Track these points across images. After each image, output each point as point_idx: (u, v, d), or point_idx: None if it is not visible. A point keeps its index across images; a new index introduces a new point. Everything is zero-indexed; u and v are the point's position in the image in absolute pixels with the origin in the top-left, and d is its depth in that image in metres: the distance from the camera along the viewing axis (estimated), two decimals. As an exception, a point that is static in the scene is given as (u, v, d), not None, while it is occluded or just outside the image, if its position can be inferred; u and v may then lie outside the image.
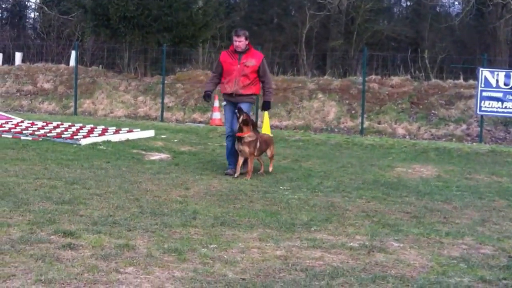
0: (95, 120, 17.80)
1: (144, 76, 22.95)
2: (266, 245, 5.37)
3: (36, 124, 14.26)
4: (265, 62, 9.41)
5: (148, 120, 18.91)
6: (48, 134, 12.48)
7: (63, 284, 4.09)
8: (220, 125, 17.62)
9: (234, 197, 7.49)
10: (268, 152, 9.56)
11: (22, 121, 15.05)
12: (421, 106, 19.11)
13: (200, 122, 18.98)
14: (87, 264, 4.54)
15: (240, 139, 8.95)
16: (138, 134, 13.37)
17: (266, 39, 30.90)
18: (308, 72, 25.65)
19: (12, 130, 13.09)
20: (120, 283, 4.19)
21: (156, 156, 10.83)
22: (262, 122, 15.93)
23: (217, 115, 18.13)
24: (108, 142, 11.95)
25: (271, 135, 10.43)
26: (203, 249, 5.11)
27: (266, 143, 9.48)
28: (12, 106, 21.91)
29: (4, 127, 13.56)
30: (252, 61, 9.19)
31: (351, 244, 5.51)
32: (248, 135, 8.96)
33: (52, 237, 5.24)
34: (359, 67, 25.69)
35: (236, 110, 9.04)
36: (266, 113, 15.62)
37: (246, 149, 8.92)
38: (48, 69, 24.47)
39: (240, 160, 9.05)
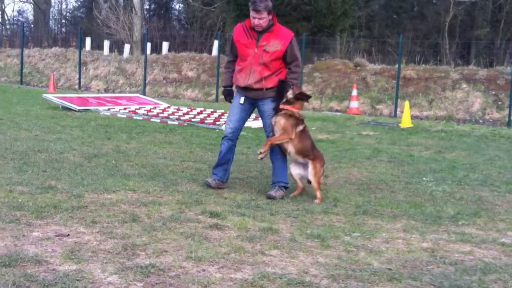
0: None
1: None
2: (411, 237, 5.22)
3: (181, 110, 14.91)
4: (295, 43, 6.50)
5: (286, 108, 19.08)
6: (192, 120, 12.99)
7: (212, 262, 4.22)
8: (358, 114, 17.41)
9: (375, 187, 7.36)
10: (311, 168, 6.55)
11: (168, 107, 15.79)
12: None
13: (337, 110, 18.87)
14: (234, 245, 4.65)
15: (279, 110, 6.49)
16: (277, 121, 13.53)
17: (406, 27, 30.12)
18: (450, 61, 24.65)
19: (160, 115, 13.76)
20: (266, 265, 4.25)
21: (295, 143, 10.89)
22: (402, 112, 15.58)
23: (354, 104, 17.94)
24: (248, 128, 12.20)
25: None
26: (346, 237, 5.07)
27: (312, 150, 6.63)
28: (159, 93, 23.09)
29: (153, 112, 14.29)
30: (275, 43, 6.38)
31: (503, 240, 5.21)
32: (294, 110, 6.48)
33: (199, 217, 5.43)
34: (507, 57, 24.32)
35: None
36: (407, 102, 15.29)
37: (282, 120, 6.39)
38: (192, 58, 25.45)
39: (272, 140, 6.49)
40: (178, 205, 5.81)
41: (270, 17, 6.37)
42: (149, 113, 13.95)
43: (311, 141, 6.69)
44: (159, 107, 15.71)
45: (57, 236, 4.60)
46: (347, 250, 4.73)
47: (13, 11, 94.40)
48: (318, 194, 6.49)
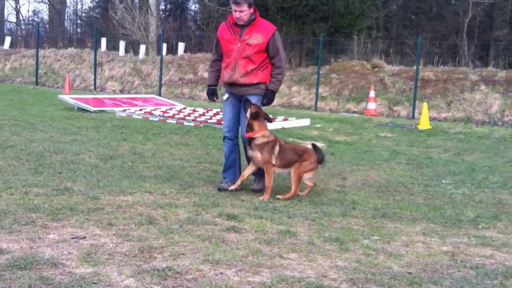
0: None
1: (298, 67, 23.09)
2: (431, 240, 5.15)
3: (197, 111, 14.87)
4: (278, 37, 6.58)
5: (302, 110, 18.99)
6: (209, 121, 12.94)
7: (229, 265, 4.16)
8: (376, 115, 17.27)
9: (393, 189, 7.28)
10: (292, 169, 6.55)
11: (184, 108, 15.77)
12: None
13: (354, 112, 18.74)
14: (251, 248, 4.60)
15: (250, 141, 6.55)
16: (293, 122, 13.47)
17: (424, 28, 29.89)
18: (469, 63, 24.42)
19: (176, 116, 13.73)
20: (284, 268, 4.19)
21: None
22: (420, 113, 15.43)
23: (372, 106, 17.79)
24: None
25: (309, 147, 6.90)
26: (365, 240, 5.00)
27: (297, 153, 6.60)
28: (175, 94, 23.04)
29: (169, 113, 14.27)
30: (257, 37, 6.47)
31: (525, 244, 5.12)
32: (261, 134, 6.46)
33: (216, 219, 5.38)
34: (526, 58, 24.02)
35: (242, 103, 6.58)
36: (425, 104, 15.12)
37: (258, 154, 6.42)
38: (208, 59, 25.38)
39: (248, 170, 6.68)
40: (194, 207, 5.77)
41: (252, 10, 6.49)
42: (165, 114, 13.93)
43: (292, 149, 6.67)
44: (175, 108, 15.70)
45: (73, 238, 4.56)
46: (366, 253, 4.67)
47: (28, 11, 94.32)
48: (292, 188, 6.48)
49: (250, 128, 6.43)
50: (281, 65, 6.59)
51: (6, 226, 4.73)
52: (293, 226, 5.31)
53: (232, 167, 6.83)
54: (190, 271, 4.00)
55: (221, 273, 4.00)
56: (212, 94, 6.93)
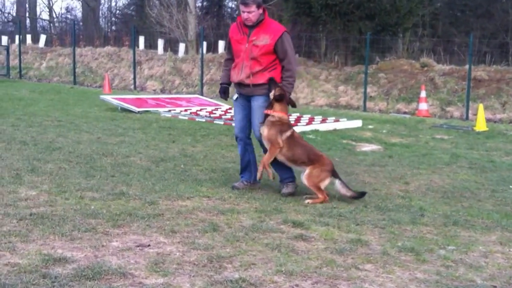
0: (297, 109, 17.87)
1: (344, 66, 22.67)
2: (509, 250, 4.86)
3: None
4: (287, 38, 6.41)
5: (350, 110, 18.59)
6: (258, 122, 12.69)
7: (304, 277, 3.93)
8: (428, 116, 16.74)
9: (459, 195, 6.93)
10: (306, 171, 6.26)
11: (230, 108, 15.54)
12: None
13: (405, 112, 18.21)
14: (323, 258, 4.35)
15: (265, 118, 6.42)
16: (345, 123, 13.13)
17: (472, 26, 29.08)
18: (521, 61, 23.62)
19: (223, 116, 13.52)
20: (362, 280, 3.93)
21: (367, 147, 10.47)
22: (474, 114, 14.90)
23: (423, 106, 17.24)
24: (316, 131, 11.85)
25: (328, 158, 6.58)
26: (441, 251, 4.73)
27: (306, 154, 6.34)
28: (216, 93, 22.72)
29: (215, 113, 14.08)
30: (265, 38, 6.34)
31: None
32: (279, 115, 6.30)
33: (281, 226, 5.15)
34: None
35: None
36: (481, 105, 14.55)
37: (265, 130, 6.27)
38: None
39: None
40: (257, 213, 5.54)
41: (261, 11, 6.40)
42: (212, 115, 13.74)
43: (304, 147, 6.46)
44: (220, 108, 15.49)
45: (138, 246, 4.38)
46: (445, 265, 4.40)
47: (60, 8, 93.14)
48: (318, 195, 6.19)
49: (270, 106, 6.35)
50: (291, 67, 6.45)
51: (66, 233, 4.58)
52: (363, 234, 5.04)
53: (247, 167, 6.76)
54: (265, 282, 3.78)
55: (297, 285, 3.78)
56: (224, 93, 6.85)
